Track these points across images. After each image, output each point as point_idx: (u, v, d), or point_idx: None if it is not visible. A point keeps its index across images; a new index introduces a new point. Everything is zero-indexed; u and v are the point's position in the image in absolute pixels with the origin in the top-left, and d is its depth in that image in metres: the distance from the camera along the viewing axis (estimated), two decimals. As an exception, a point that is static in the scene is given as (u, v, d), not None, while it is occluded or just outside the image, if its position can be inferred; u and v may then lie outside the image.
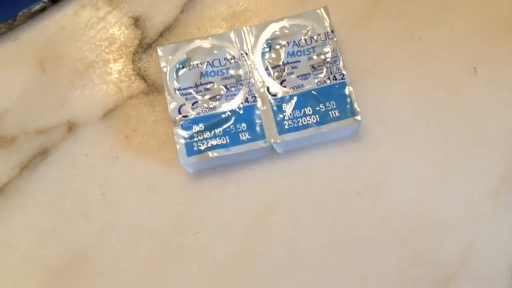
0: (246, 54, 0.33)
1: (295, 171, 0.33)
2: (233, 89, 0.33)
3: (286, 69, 0.33)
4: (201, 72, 0.33)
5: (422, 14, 0.35)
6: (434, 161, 0.33)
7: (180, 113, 0.32)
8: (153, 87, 0.35)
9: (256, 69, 0.33)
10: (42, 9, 0.37)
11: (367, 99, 0.34)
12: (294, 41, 0.33)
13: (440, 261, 0.32)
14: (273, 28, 0.34)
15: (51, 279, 0.32)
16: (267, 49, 0.33)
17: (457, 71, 0.35)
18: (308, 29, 0.33)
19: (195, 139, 0.32)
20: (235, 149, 0.32)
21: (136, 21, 0.36)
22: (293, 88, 0.33)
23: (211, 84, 0.33)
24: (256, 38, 0.34)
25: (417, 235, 0.32)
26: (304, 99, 0.32)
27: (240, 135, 0.32)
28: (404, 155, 0.33)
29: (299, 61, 0.33)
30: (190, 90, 0.33)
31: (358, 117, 0.32)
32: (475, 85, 0.34)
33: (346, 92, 0.32)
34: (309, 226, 0.32)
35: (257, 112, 0.32)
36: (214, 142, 0.32)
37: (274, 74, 0.33)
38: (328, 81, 0.33)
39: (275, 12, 0.35)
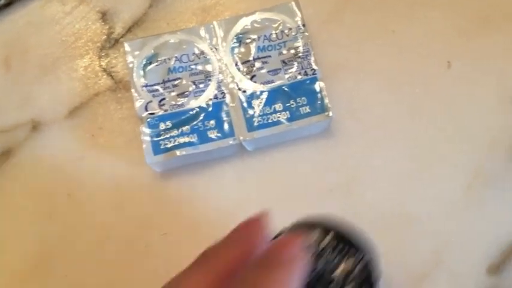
0: (216, 49, 0.32)
1: (266, 169, 0.33)
2: (202, 85, 0.32)
3: (256, 65, 0.32)
4: (169, 68, 0.32)
5: (396, 7, 0.35)
6: (407, 157, 0.33)
7: (146, 110, 0.31)
8: (120, 84, 0.34)
9: (226, 64, 0.32)
10: (8, 4, 0.36)
11: (339, 94, 0.33)
12: (265, 36, 0.32)
13: (414, 258, 0.31)
14: (244, 22, 0.33)
15: (15, 282, 0.31)
16: (237, 44, 0.33)
17: (431, 65, 0.34)
18: (279, 23, 0.33)
19: (162, 137, 0.31)
20: (203, 147, 0.31)
21: (104, 16, 0.35)
22: (263, 84, 0.32)
23: (179, 80, 0.32)
24: (226, 32, 0.33)
25: (390, 232, 0.31)
26: (275, 95, 0.32)
27: (209, 133, 0.31)
28: (377, 150, 0.33)
29: (270, 56, 0.32)
30: (158, 87, 0.32)
31: (329, 114, 0.31)
32: (449, 79, 0.34)
33: (317, 87, 0.32)
34: (278, 225, 0.31)
35: (226, 109, 0.31)
36: (182, 140, 0.31)
37: (244, 69, 0.32)
38: (299, 77, 0.32)
39: (247, 5, 0.35)
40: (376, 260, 0.26)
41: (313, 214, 0.27)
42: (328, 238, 0.26)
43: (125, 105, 0.33)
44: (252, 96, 0.32)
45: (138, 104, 0.31)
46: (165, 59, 0.32)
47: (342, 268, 0.26)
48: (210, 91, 0.32)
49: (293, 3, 0.32)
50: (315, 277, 0.26)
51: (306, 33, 0.32)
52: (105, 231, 0.32)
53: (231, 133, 0.31)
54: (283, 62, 0.32)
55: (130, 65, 0.32)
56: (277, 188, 0.32)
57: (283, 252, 0.20)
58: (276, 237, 0.27)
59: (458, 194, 0.32)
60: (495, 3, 0.35)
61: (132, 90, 0.31)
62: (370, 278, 0.26)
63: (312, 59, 0.32)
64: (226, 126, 0.31)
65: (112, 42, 0.34)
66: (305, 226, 0.26)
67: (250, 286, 0.20)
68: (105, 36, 0.34)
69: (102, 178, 0.32)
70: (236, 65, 0.32)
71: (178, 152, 0.31)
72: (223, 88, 0.32)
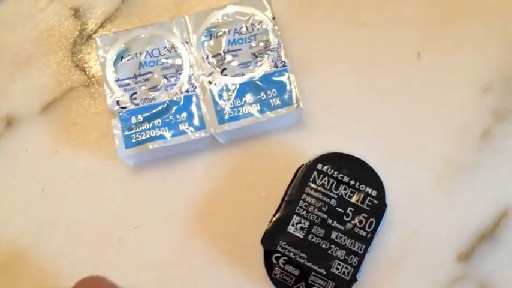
0: (187, 43, 0.33)
1: (238, 161, 0.33)
2: (173, 78, 0.32)
3: (227, 58, 0.32)
4: (140, 62, 0.32)
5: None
6: (378, 148, 0.33)
7: (118, 104, 0.32)
8: (93, 79, 0.34)
9: (197, 58, 0.32)
10: (-18, 2, 0.36)
11: (311, 87, 0.34)
12: (235, 29, 0.33)
13: (383, 249, 0.32)
14: (215, 16, 0.33)
15: (-10, 277, 0.32)
16: (208, 37, 0.33)
17: (401, 56, 0.34)
18: (249, 16, 0.33)
19: (134, 131, 0.31)
20: (175, 140, 0.31)
21: (77, 12, 0.35)
22: (234, 76, 0.32)
23: (151, 75, 0.32)
24: (197, 26, 0.33)
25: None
26: (245, 87, 0.32)
27: (180, 126, 0.32)
28: (348, 141, 0.33)
29: (240, 49, 0.33)
30: (129, 81, 0.32)
31: (300, 105, 0.32)
32: (419, 70, 0.34)
33: (288, 79, 0.32)
34: (251, 218, 0.32)
35: (197, 102, 0.32)
36: (153, 133, 0.31)
37: (214, 62, 0.32)
38: (270, 69, 0.32)
39: (218, 0, 0.35)
40: (383, 195, 0.30)
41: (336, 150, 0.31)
42: (343, 171, 0.30)
43: (98, 100, 0.33)
44: (223, 89, 0.32)
45: (110, 98, 0.31)
46: (136, 54, 0.32)
47: (353, 200, 0.30)
48: (181, 85, 0.32)
49: (263, -4, 0.33)
50: (329, 207, 0.30)
51: (276, 27, 0.32)
52: (78, 225, 0.32)
53: (202, 126, 0.32)
54: (254, 55, 0.32)
55: (102, 60, 0.32)
56: (249, 180, 0.33)
57: None
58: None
59: (428, 184, 0.33)
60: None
61: (104, 85, 0.31)
62: (378, 210, 0.30)
63: (282, 51, 0.32)
64: (197, 119, 0.32)
65: (85, 38, 0.34)
66: (326, 158, 0.30)
67: None
68: (78, 32, 0.35)
69: (75, 172, 0.33)
70: (207, 58, 0.32)
71: (150, 145, 0.31)
72: (194, 81, 0.32)
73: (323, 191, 0.30)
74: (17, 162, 0.33)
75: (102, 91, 0.33)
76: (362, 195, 0.30)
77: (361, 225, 0.30)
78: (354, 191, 0.30)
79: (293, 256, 0.29)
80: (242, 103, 0.32)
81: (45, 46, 0.34)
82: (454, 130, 0.34)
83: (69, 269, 0.32)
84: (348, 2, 0.35)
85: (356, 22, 0.35)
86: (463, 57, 0.34)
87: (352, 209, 0.30)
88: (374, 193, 0.30)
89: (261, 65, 0.32)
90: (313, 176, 0.30)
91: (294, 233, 0.29)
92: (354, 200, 0.30)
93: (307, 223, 0.29)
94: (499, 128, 0.33)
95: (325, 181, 0.30)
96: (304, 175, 0.30)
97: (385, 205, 0.30)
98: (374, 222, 0.30)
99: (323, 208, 0.30)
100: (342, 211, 0.30)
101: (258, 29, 0.33)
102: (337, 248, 0.29)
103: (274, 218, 0.30)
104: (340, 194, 0.30)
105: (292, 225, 0.29)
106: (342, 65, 0.34)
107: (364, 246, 0.29)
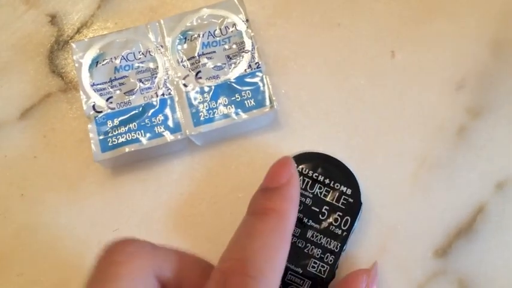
0: (162, 46, 0.33)
1: (215, 162, 0.33)
2: (148, 82, 0.32)
3: (201, 61, 0.33)
4: (115, 67, 0.32)
5: (340, 0, 0.35)
6: (354, 147, 0.33)
7: (94, 109, 0.32)
8: (70, 85, 0.34)
9: (171, 61, 0.33)
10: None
11: (287, 88, 0.34)
12: (209, 32, 0.33)
13: (361, 245, 0.32)
14: (189, 19, 0.33)
15: (-29, 283, 0.32)
16: (183, 41, 0.33)
17: (375, 55, 0.35)
18: (223, 19, 0.33)
19: (110, 134, 0.32)
20: (151, 143, 0.31)
21: (53, 19, 0.35)
22: (208, 79, 0.32)
23: (126, 79, 0.32)
24: (172, 30, 0.33)
25: (338, 221, 0.32)
26: (220, 89, 0.32)
27: (156, 129, 0.32)
28: (324, 141, 0.33)
29: (214, 52, 0.33)
30: (105, 86, 0.32)
31: (274, 106, 0.32)
32: (393, 69, 0.34)
33: (262, 81, 0.32)
34: (229, 217, 0.32)
35: (172, 105, 0.32)
36: (129, 136, 0.32)
37: (189, 65, 0.33)
38: (244, 71, 0.32)
39: (193, 4, 0.35)
40: (358, 193, 0.31)
41: (311, 150, 0.31)
42: (318, 171, 0.31)
43: (75, 105, 0.34)
44: (198, 91, 0.32)
45: (86, 103, 0.32)
46: (111, 58, 0.32)
47: (329, 199, 0.30)
48: (156, 88, 0.32)
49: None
50: (304, 206, 0.30)
51: (249, 29, 0.33)
52: (58, 229, 0.32)
53: (178, 128, 0.32)
54: (228, 57, 0.33)
55: (77, 65, 0.32)
56: (226, 181, 0.33)
57: (282, 172, 0.26)
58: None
59: (404, 182, 0.33)
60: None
61: (80, 90, 0.32)
62: (353, 209, 0.30)
63: (256, 53, 0.32)
64: (173, 121, 0.32)
65: (61, 44, 0.35)
66: (301, 158, 0.31)
67: (259, 209, 0.25)
68: (55, 39, 0.35)
69: (54, 177, 0.33)
70: (182, 61, 0.33)
71: (126, 149, 0.31)
72: (169, 85, 0.32)
73: None
74: (-5, 168, 0.33)
75: (79, 96, 0.34)
76: (337, 194, 0.30)
77: (336, 224, 0.30)
78: (329, 189, 0.30)
79: None
80: (217, 105, 0.32)
81: (23, 53, 0.35)
82: (429, 128, 0.34)
83: (49, 273, 0.32)
84: (321, 3, 0.36)
85: (330, 23, 0.35)
86: (436, 55, 0.35)
87: (327, 208, 0.30)
88: (349, 191, 0.30)
89: (235, 67, 0.33)
90: None
91: None
92: (329, 198, 0.30)
93: None
94: (473, 124, 0.34)
95: (300, 180, 0.30)
96: None
97: (360, 203, 0.30)
98: (349, 220, 0.30)
99: (299, 207, 0.30)
100: (318, 210, 0.30)
101: (231, 31, 0.33)
102: (313, 246, 0.30)
103: None
104: (315, 193, 0.30)
105: None
106: (317, 66, 0.35)
107: (339, 245, 0.30)
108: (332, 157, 0.31)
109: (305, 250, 0.29)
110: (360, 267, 0.32)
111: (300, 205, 0.30)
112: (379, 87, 0.34)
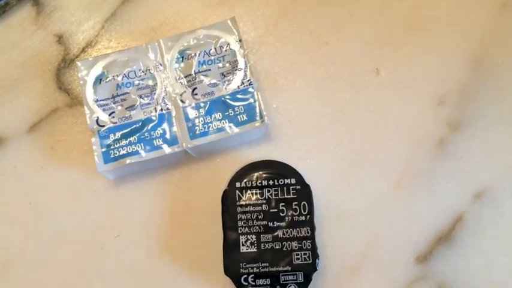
0: (160, 64, 0.35)
1: (210, 173, 0.35)
2: (147, 98, 0.35)
3: (197, 78, 0.35)
4: (117, 84, 0.35)
5: (328, 20, 0.38)
6: (339, 158, 0.35)
7: (97, 123, 0.34)
8: (75, 100, 0.37)
9: (170, 78, 0.35)
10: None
11: (277, 103, 0.36)
12: (205, 51, 0.35)
13: (345, 252, 0.34)
14: (186, 39, 0.36)
15: (-17, 285, 0.34)
16: (180, 59, 0.35)
17: (360, 72, 0.37)
18: (217, 39, 0.36)
19: (112, 147, 0.34)
20: (150, 155, 0.34)
21: (60, 39, 0.38)
22: (204, 95, 0.35)
23: (127, 95, 0.35)
24: (170, 49, 0.36)
25: (325, 227, 0.34)
26: (215, 105, 0.34)
27: (155, 142, 0.34)
28: (312, 153, 0.36)
29: (209, 69, 0.35)
30: (108, 101, 0.35)
31: (265, 120, 0.34)
32: (378, 85, 0.36)
33: (254, 97, 0.34)
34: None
35: (170, 119, 0.34)
36: (130, 149, 0.34)
37: (186, 82, 0.35)
38: (237, 88, 0.35)
39: (190, 24, 0.38)
40: (301, 178, 0.32)
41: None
42: (260, 177, 0.33)
43: (79, 119, 0.36)
44: (194, 107, 0.34)
45: (90, 117, 0.34)
46: (114, 76, 0.35)
47: (280, 196, 0.32)
48: (155, 103, 0.35)
49: (229, 21, 0.35)
50: (264, 213, 0.32)
51: (241, 49, 0.35)
52: (63, 235, 0.35)
53: (175, 141, 0.34)
54: (222, 74, 0.35)
55: (82, 82, 0.35)
56: (221, 190, 0.34)
57: None
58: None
59: (387, 191, 0.35)
60: (415, 9, 0.38)
61: (84, 105, 0.34)
62: (304, 193, 0.32)
63: (248, 71, 0.35)
64: (170, 135, 0.34)
65: (68, 62, 0.37)
66: (239, 175, 0.33)
67: None
68: (62, 57, 0.37)
69: (60, 186, 0.35)
70: (179, 78, 0.35)
71: (127, 160, 0.34)
72: (166, 101, 0.35)
73: (252, 202, 0.32)
74: (5, 179, 0.35)
75: (83, 111, 0.36)
76: (285, 188, 0.32)
77: (297, 213, 0.32)
78: (276, 188, 0.32)
79: (257, 270, 0.31)
80: (212, 119, 0.34)
81: (32, 70, 0.37)
82: (411, 140, 0.36)
83: (55, 276, 0.34)
84: (310, 23, 0.38)
85: (318, 42, 0.37)
86: (419, 72, 0.37)
87: (283, 204, 0.32)
88: (293, 181, 0.33)
89: (229, 84, 0.35)
90: (236, 196, 0.32)
91: (248, 250, 0.32)
92: (280, 195, 0.32)
93: (253, 237, 0.32)
94: (453, 137, 0.36)
95: (249, 194, 0.32)
96: (229, 199, 0.32)
97: (307, 185, 0.32)
98: (306, 204, 0.32)
99: (259, 216, 0.32)
100: (276, 210, 0.32)
101: (225, 50, 0.35)
102: (289, 242, 0.32)
103: (225, 247, 0.32)
104: (266, 197, 0.32)
105: (243, 245, 0.32)
106: (306, 82, 0.37)
107: (309, 228, 0.32)
108: (263, 160, 0.33)
109: (283, 249, 0.32)
110: (344, 271, 0.34)
111: (260, 214, 0.32)
112: (364, 102, 0.36)
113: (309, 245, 0.32)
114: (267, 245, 0.32)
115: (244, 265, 0.31)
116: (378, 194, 0.35)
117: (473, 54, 0.37)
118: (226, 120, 0.34)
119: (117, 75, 0.35)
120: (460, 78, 0.37)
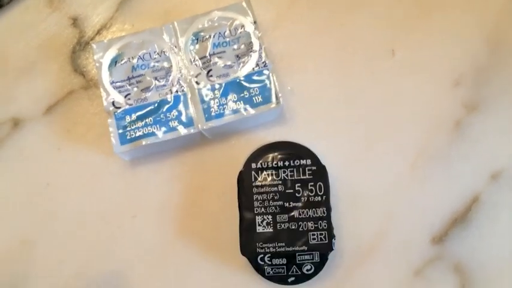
0: (175, 47, 0.35)
1: (226, 155, 0.36)
2: (163, 80, 0.35)
3: (212, 60, 0.35)
4: (133, 66, 0.35)
5: (343, 2, 0.37)
6: (355, 139, 0.35)
7: (113, 105, 0.34)
8: (91, 82, 0.37)
9: (184, 60, 0.35)
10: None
11: (292, 84, 0.36)
12: (220, 33, 0.35)
13: (361, 232, 0.34)
14: (200, 21, 0.36)
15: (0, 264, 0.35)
16: (195, 41, 0.35)
17: (376, 54, 0.37)
18: (233, 21, 0.35)
19: (128, 128, 0.34)
20: (165, 136, 0.34)
21: (75, 21, 0.38)
22: (219, 77, 0.35)
23: (143, 77, 0.35)
24: (185, 31, 0.36)
25: (342, 208, 0.34)
26: (230, 87, 0.35)
27: (170, 123, 0.34)
28: (327, 134, 0.36)
29: (224, 51, 0.35)
30: (123, 83, 0.35)
31: (280, 102, 0.34)
32: (393, 66, 0.36)
33: (269, 78, 0.34)
34: (237, 206, 0.34)
35: (186, 101, 0.34)
36: (145, 130, 0.34)
37: (201, 64, 0.35)
38: (252, 69, 0.35)
39: (204, 6, 0.37)
40: (317, 159, 0.33)
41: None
42: (275, 158, 0.33)
43: (95, 101, 0.36)
44: (209, 88, 0.34)
45: (106, 99, 0.34)
46: (129, 58, 0.35)
47: (296, 177, 0.32)
48: (171, 85, 0.35)
49: (244, 3, 0.35)
50: (280, 194, 0.32)
51: (257, 30, 0.35)
52: (80, 215, 0.35)
53: (191, 123, 0.34)
54: (237, 56, 0.35)
55: (97, 65, 0.35)
56: (235, 172, 0.35)
57: None
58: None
59: (403, 172, 0.35)
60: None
61: (100, 87, 0.34)
62: (320, 174, 0.32)
63: (263, 52, 0.35)
64: (186, 116, 0.34)
65: (83, 45, 0.37)
66: (255, 156, 0.33)
67: None
68: (77, 40, 0.38)
69: (77, 168, 0.36)
70: (194, 60, 0.35)
71: (143, 142, 0.34)
72: (182, 82, 0.35)
73: (268, 183, 0.32)
74: (23, 160, 0.36)
75: (99, 93, 0.36)
76: (300, 169, 0.33)
77: (313, 193, 0.32)
78: (292, 169, 0.33)
79: (273, 250, 0.32)
80: (227, 101, 0.34)
81: (47, 53, 0.37)
82: (427, 121, 0.36)
83: (74, 255, 0.35)
84: (325, 5, 0.38)
85: (333, 23, 0.37)
86: (435, 53, 0.37)
87: (299, 184, 0.32)
88: (309, 162, 0.33)
89: (244, 66, 0.35)
90: (252, 176, 0.32)
91: (264, 230, 0.32)
92: (296, 176, 0.32)
93: (270, 217, 0.32)
94: (469, 118, 0.36)
95: (265, 175, 0.33)
96: (245, 180, 0.32)
97: (323, 166, 0.32)
98: (322, 185, 0.32)
99: (275, 197, 0.32)
100: (292, 191, 0.32)
101: (240, 32, 0.35)
102: (305, 222, 0.32)
103: (241, 228, 0.32)
104: (282, 178, 0.33)
105: (259, 225, 0.32)
106: (320, 63, 0.37)
107: (325, 209, 0.32)
108: (279, 142, 0.33)
109: (299, 229, 0.32)
110: (361, 251, 0.34)
111: (276, 194, 0.32)
112: (379, 83, 0.36)
113: (325, 225, 0.32)
114: (283, 225, 0.32)
115: (261, 245, 0.32)
116: (393, 175, 0.35)
117: (489, 35, 0.37)
118: (242, 102, 0.34)
119: (132, 58, 0.35)
120: (476, 59, 0.36)
